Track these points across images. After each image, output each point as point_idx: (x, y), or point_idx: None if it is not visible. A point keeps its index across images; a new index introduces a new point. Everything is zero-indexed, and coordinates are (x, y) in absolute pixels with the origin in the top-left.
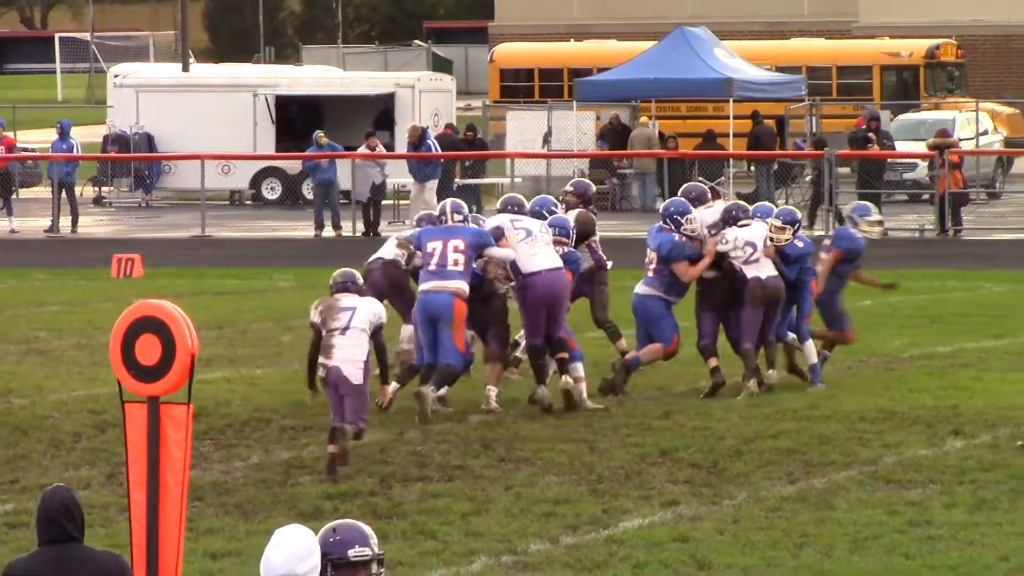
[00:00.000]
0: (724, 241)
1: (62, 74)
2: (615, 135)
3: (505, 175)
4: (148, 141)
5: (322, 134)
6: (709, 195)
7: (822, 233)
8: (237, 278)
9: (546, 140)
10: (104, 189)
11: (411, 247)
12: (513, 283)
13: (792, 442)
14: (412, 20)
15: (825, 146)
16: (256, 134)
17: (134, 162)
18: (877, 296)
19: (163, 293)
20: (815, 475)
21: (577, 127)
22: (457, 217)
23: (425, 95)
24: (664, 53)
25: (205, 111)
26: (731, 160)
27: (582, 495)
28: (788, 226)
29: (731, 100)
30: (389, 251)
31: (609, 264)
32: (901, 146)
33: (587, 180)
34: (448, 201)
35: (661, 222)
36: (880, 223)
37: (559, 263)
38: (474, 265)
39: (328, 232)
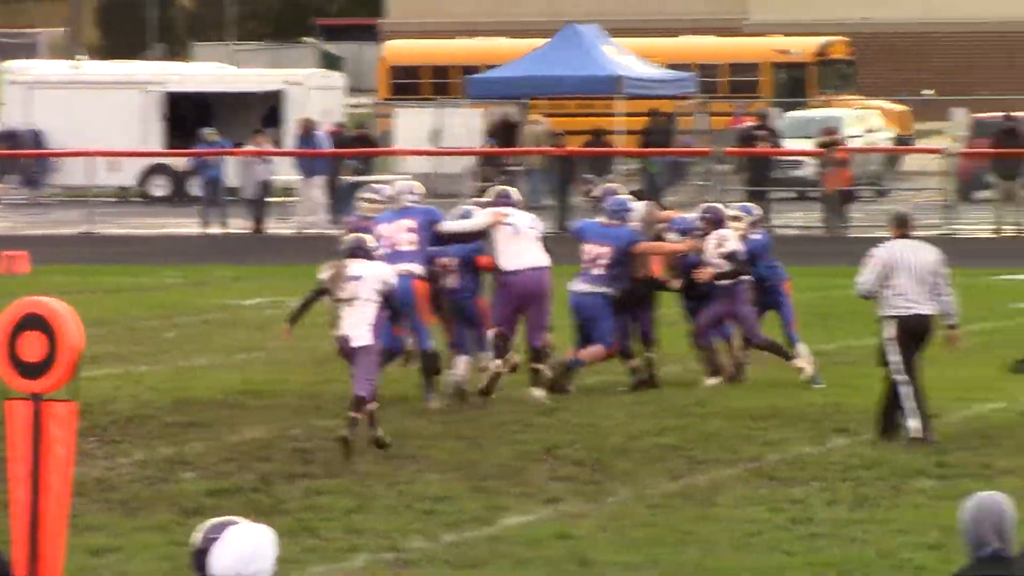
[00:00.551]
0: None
1: None
2: (504, 132)
3: (394, 172)
4: (35, 138)
5: (211, 131)
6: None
7: None
8: (125, 275)
9: (435, 138)
10: None
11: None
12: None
13: (676, 439)
14: (304, 17)
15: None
16: (145, 131)
17: (23, 159)
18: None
19: (50, 290)
20: (699, 472)
21: (466, 124)
22: (410, 198)
23: (314, 92)
24: (554, 50)
25: (96, 108)
26: (619, 157)
27: (464, 492)
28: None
29: (621, 97)
30: None
31: None
32: (790, 144)
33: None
34: (400, 183)
35: (606, 218)
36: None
37: (544, 261)
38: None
39: (215, 229)
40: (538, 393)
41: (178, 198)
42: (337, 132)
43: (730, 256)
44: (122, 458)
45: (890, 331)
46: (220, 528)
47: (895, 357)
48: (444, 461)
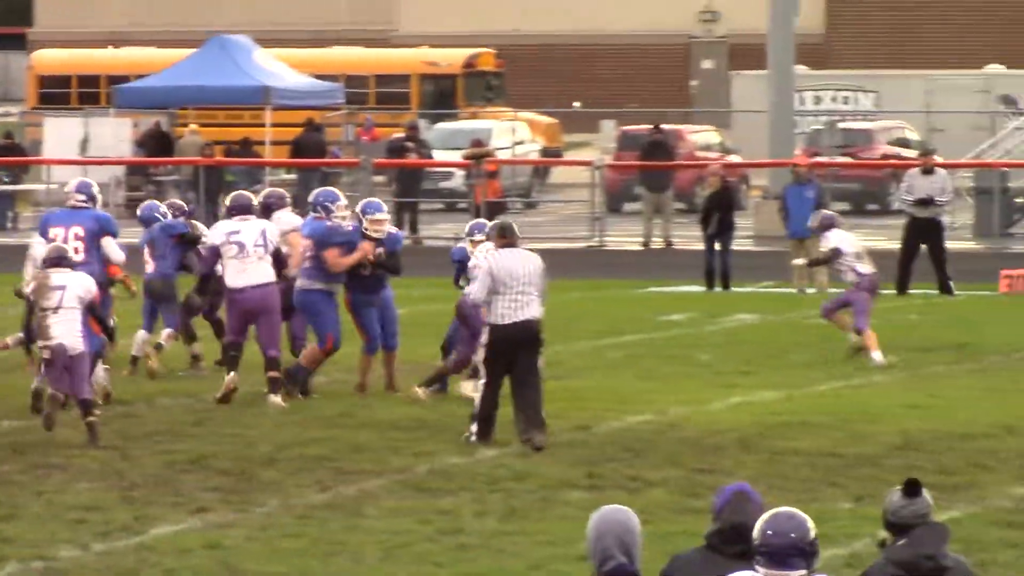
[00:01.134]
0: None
1: None
2: (154, 142)
3: (42, 182)
4: None
5: None
6: None
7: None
8: None
9: (83, 147)
10: None
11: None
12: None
13: (324, 449)
14: None
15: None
16: None
17: None
18: (416, 304)
19: None
20: (346, 483)
21: (114, 134)
22: (80, 198)
23: None
24: (203, 60)
25: None
26: (268, 168)
27: (114, 502)
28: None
29: (269, 108)
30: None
31: None
32: (439, 155)
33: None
34: (75, 180)
35: (312, 211)
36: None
37: (268, 278)
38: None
39: None
40: (275, 399)
41: None
42: None
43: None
44: None
45: (489, 337)
46: None
47: (484, 368)
48: (93, 470)
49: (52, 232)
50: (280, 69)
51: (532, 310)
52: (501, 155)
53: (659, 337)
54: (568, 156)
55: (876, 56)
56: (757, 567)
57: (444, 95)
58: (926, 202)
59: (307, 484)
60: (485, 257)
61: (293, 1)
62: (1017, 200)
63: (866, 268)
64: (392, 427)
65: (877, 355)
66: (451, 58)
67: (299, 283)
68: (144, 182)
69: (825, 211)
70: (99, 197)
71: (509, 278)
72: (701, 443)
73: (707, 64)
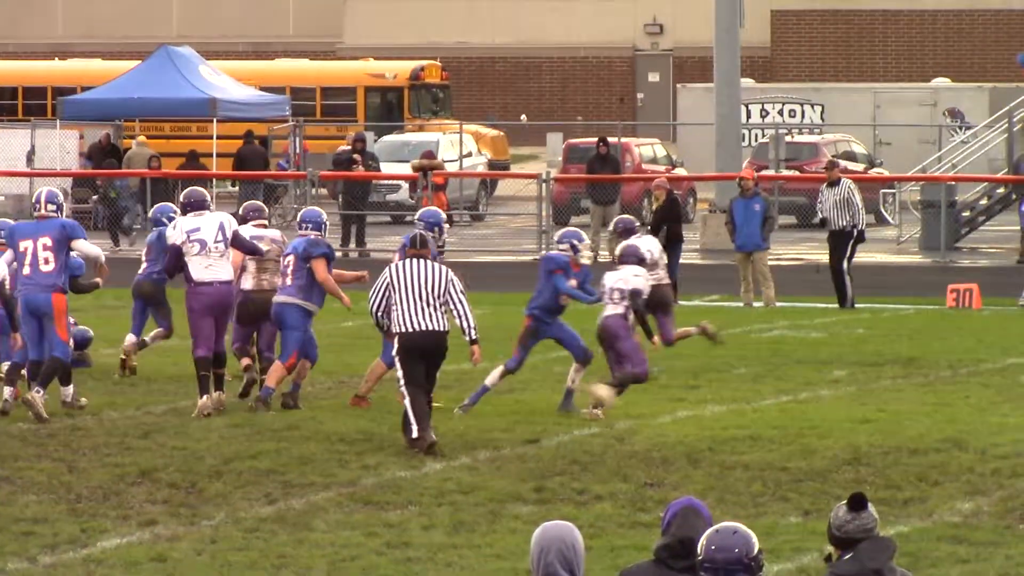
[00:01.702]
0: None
1: None
2: (102, 154)
3: None
4: None
5: None
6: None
7: None
8: None
9: (30, 159)
10: None
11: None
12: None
13: (272, 462)
14: None
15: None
16: None
17: None
18: (362, 317)
19: None
20: (294, 496)
21: (61, 146)
22: (50, 207)
23: None
24: (149, 72)
25: None
26: (215, 180)
27: (61, 514)
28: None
29: (215, 120)
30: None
31: None
32: (385, 167)
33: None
34: (43, 190)
35: (299, 228)
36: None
37: (230, 276)
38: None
39: None
40: (222, 396)
41: None
42: None
43: None
44: None
45: (397, 347)
46: None
47: (400, 372)
48: (41, 483)
49: (22, 245)
50: (226, 81)
51: (437, 322)
52: (448, 167)
53: None
54: (515, 169)
55: (822, 69)
56: None
57: (390, 107)
58: (824, 222)
59: (255, 497)
60: (388, 267)
61: (239, 13)
62: (964, 214)
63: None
64: (339, 440)
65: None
66: (397, 70)
67: (280, 298)
68: (91, 194)
69: (625, 216)
70: (65, 206)
71: (410, 289)
72: (649, 457)
73: (653, 77)
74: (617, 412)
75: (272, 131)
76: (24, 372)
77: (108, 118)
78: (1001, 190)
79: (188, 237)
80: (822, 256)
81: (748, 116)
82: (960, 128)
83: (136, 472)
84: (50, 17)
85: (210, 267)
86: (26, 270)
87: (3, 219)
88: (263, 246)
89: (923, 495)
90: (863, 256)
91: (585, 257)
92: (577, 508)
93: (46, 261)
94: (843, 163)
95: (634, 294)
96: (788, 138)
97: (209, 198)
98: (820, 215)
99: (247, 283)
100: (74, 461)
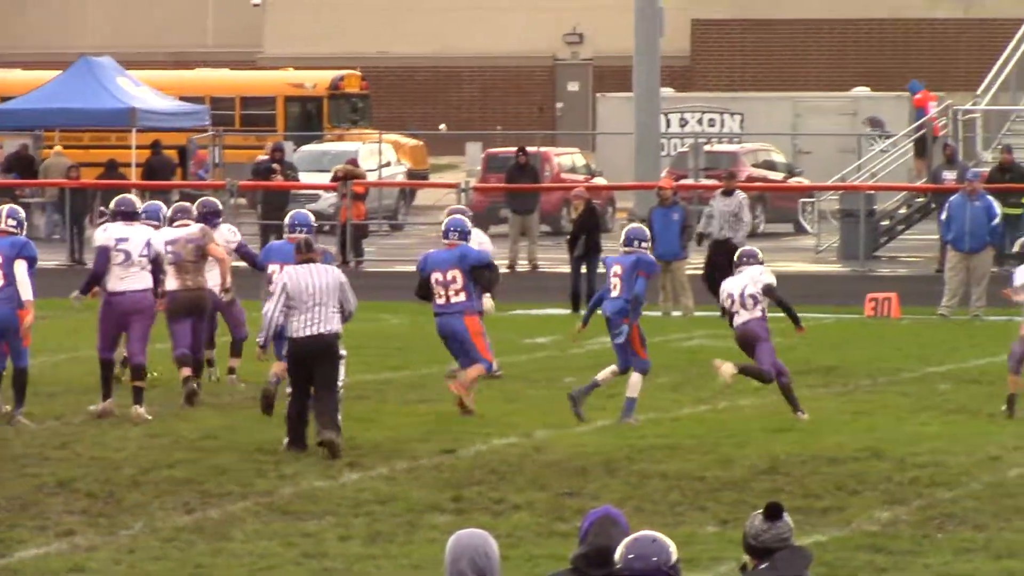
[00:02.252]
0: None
1: None
2: (22, 164)
3: None
4: None
5: None
6: None
7: None
8: None
9: None
10: None
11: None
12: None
13: (189, 472)
14: None
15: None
16: None
17: None
18: None
19: None
20: (212, 506)
21: None
22: (11, 223)
23: None
24: (68, 83)
25: None
26: (134, 190)
27: None
28: None
29: (134, 130)
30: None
31: None
32: (304, 177)
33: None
34: (6, 207)
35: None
36: None
37: (147, 285)
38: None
39: None
40: (139, 411)
41: None
42: None
43: None
44: None
45: (287, 352)
46: None
47: (289, 375)
48: None
49: None
50: (145, 91)
51: (328, 324)
52: (368, 177)
53: (525, 360)
54: (434, 179)
55: (742, 78)
56: None
57: (310, 117)
58: (701, 236)
59: (172, 507)
60: (281, 274)
61: (158, 23)
62: (883, 223)
63: None
64: (257, 450)
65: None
66: (317, 80)
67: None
68: (9, 203)
69: (458, 212)
70: (25, 223)
71: (304, 294)
72: (567, 466)
73: (572, 86)
74: (534, 421)
75: (192, 141)
76: None
77: (27, 128)
78: (920, 199)
79: (116, 245)
80: None
81: (667, 125)
82: (880, 137)
83: (54, 482)
84: None
85: (125, 279)
86: None
87: None
88: (177, 248)
89: (841, 504)
90: (783, 265)
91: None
92: (495, 518)
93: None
94: (764, 172)
95: (768, 290)
96: (707, 147)
97: (139, 208)
98: (699, 229)
99: (171, 284)
100: None
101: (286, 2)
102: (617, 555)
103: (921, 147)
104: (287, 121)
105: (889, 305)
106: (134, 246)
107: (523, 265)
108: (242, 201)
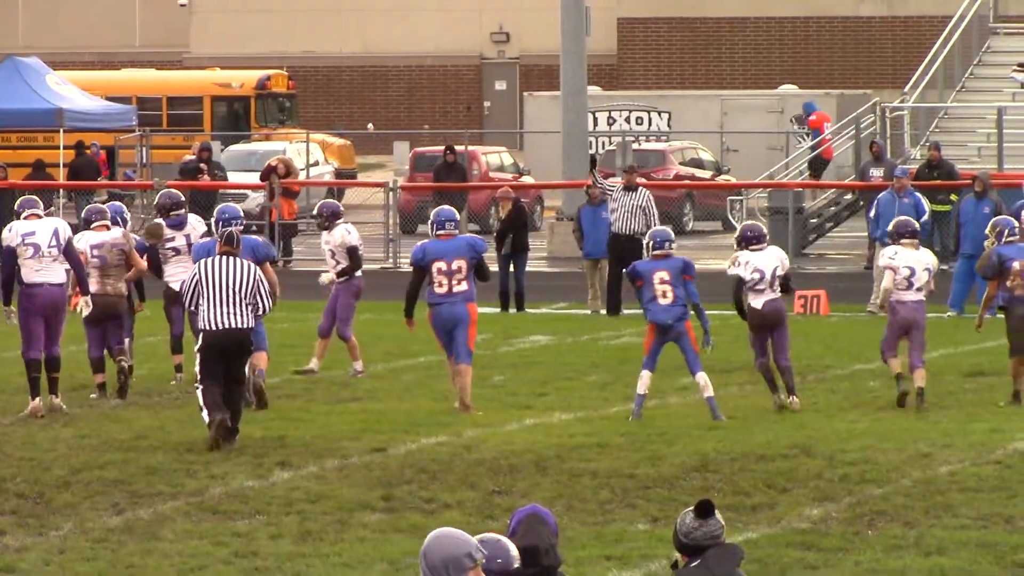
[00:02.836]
0: (736, 263)
1: None
2: None
3: None
4: None
5: None
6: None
7: None
8: None
9: None
10: None
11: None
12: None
13: (119, 473)
14: None
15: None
16: None
17: None
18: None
19: None
20: (142, 506)
21: None
22: None
23: None
24: None
25: None
26: (60, 191)
27: None
28: None
29: (62, 130)
30: None
31: None
32: (232, 177)
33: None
34: None
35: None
36: None
37: (62, 279)
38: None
39: None
40: (57, 401)
41: None
42: None
43: None
44: None
45: (199, 344)
46: None
47: (201, 368)
48: None
49: None
50: (73, 92)
51: (239, 319)
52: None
53: None
54: (361, 178)
55: (669, 76)
56: None
57: (237, 117)
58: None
59: (102, 507)
60: (195, 265)
61: (85, 24)
62: (812, 220)
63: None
64: (187, 450)
65: (358, 365)
66: (243, 79)
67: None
68: None
69: (329, 200)
70: None
71: (217, 287)
72: (497, 465)
73: (500, 85)
74: (464, 420)
75: (119, 141)
76: None
77: None
78: (849, 196)
79: (23, 240)
80: None
81: (595, 124)
82: (807, 135)
83: None
84: None
85: (41, 271)
86: None
87: None
88: (103, 251)
89: (771, 501)
90: (712, 263)
91: None
92: (425, 516)
93: None
94: (691, 170)
95: (788, 277)
96: (635, 145)
97: (40, 202)
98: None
99: (91, 287)
100: None
101: (212, 2)
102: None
103: (815, 168)
104: (214, 121)
105: (818, 302)
106: (42, 238)
107: None
108: None
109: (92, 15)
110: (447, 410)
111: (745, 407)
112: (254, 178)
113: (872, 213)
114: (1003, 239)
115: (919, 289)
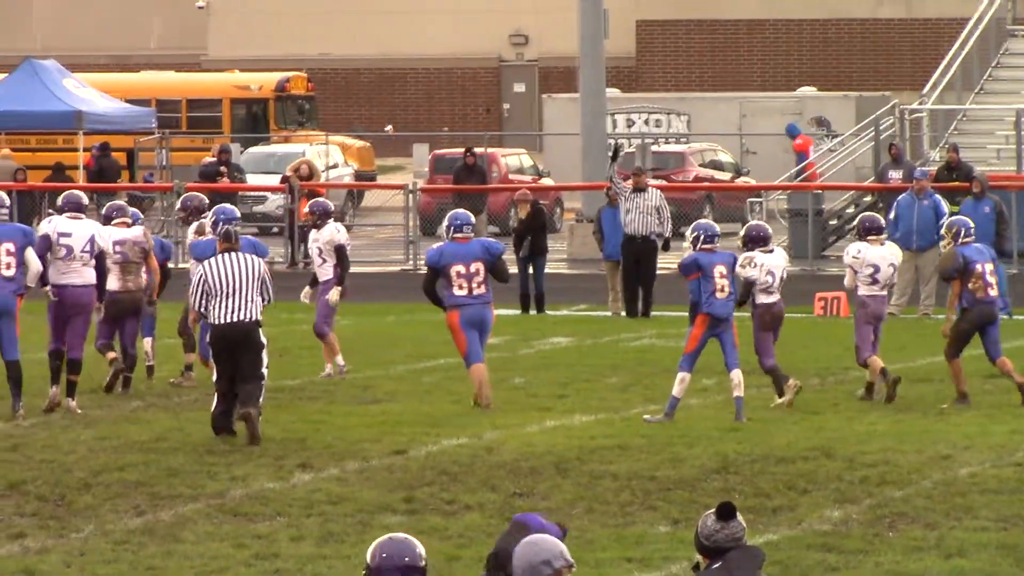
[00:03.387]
0: (752, 264)
1: None
2: None
3: None
4: None
5: None
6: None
7: None
8: None
9: None
10: None
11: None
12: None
13: (140, 475)
14: None
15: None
16: None
17: None
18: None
19: None
20: (162, 508)
21: None
22: (2, 212)
23: None
24: (14, 85)
25: None
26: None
27: None
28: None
29: (81, 132)
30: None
31: None
32: (252, 179)
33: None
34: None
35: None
36: None
37: (90, 281)
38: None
39: None
40: (72, 404)
41: None
42: None
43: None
44: None
45: (209, 340)
46: None
47: (216, 364)
48: None
49: None
50: (92, 94)
51: (247, 312)
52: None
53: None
54: (381, 180)
55: (688, 79)
56: None
57: (256, 119)
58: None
59: (123, 509)
60: (200, 265)
61: (103, 26)
62: (831, 222)
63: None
64: (207, 451)
65: (336, 362)
66: (263, 82)
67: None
68: None
69: (320, 199)
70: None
71: (224, 283)
72: (517, 467)
73: (519, 87)
74: (484, 422)
75: (139, 143)
76: None
77: None
78: (868, 198)
79: (58, 239)
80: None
81: (614, 126)
82: (827, 137)
83: (4, 485)
84: None
85: (68, 273)
86: None
87: None
88: (125, 248)
89: (792, 503)
90: None
91: None
92: (446, 518)
93: (7, 266)
94: (711, 172)
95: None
96: (654, 148)
97: (86, 203)
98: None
99: (112, 284)
100: None
101: (230, 4)
102: (369, 554)
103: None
104: (233, 123)
105: (838, 304)
106: (77, 241)
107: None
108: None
109: (110, 18)
110: (467, 411)
111: (764, 409)
112: (274, 180)
113: (891, 215)
114: (959, 239)
115: (884, 286)
